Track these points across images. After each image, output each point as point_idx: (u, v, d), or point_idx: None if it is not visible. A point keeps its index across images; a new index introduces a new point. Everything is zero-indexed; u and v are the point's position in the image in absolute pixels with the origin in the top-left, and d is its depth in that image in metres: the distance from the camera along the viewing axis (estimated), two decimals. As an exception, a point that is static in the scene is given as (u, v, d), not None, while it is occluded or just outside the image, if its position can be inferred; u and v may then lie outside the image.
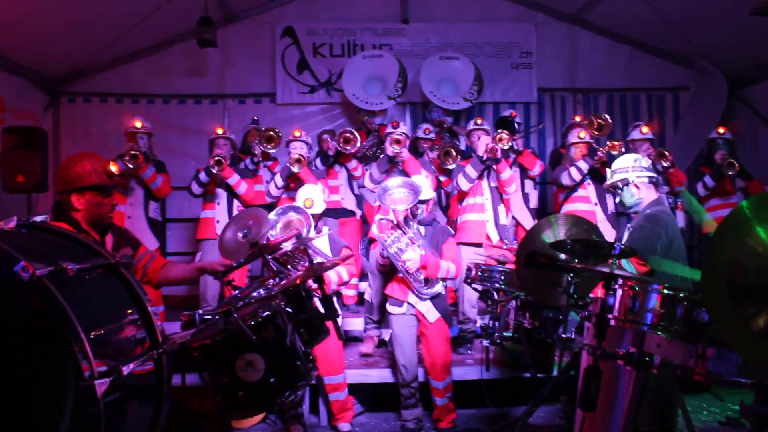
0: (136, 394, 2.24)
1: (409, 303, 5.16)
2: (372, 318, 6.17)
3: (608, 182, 4.66)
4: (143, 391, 2.30)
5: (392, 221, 5.15)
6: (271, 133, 6.53)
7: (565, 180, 6.50)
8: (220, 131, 6.70)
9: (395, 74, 7.88)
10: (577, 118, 7.38)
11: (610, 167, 6.09)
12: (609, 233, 6.21)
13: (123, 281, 2.38)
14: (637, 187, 4.42)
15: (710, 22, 7.26)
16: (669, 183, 6.66)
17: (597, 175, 6.48)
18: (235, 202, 6.58)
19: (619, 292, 2.94)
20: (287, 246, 4.64)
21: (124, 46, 7.97)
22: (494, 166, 6.18)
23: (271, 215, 5.09)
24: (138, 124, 6.44)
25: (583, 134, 6.54)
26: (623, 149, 6.38)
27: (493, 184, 6.28)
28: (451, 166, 6.49)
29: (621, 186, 4.50)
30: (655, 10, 7.35)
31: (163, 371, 2.36)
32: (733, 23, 6.82)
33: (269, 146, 6.52)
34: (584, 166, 6.34)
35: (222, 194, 6.57)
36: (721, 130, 6.99)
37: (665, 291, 2.82)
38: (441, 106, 7.75)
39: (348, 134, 6.56)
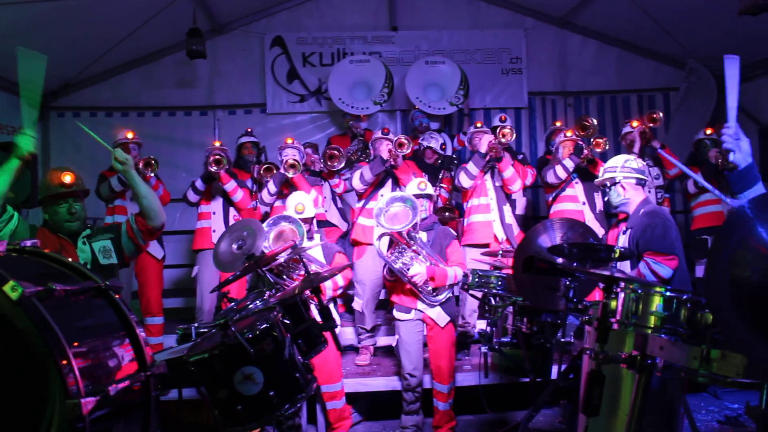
0: (122, 414, 2.24)
1: (417, 309, 5.12)
2: (365, 327, 6.13)
3: (598, 180, 4.72)
4: (130, 411, 2.30)
5: (395, 235, 5.06)
6: (270, 165, 6.47)
7: (550, 178, 6.47)
8: (217, 144, 6.66)
9: (382, 79, 7.89)
10: (558, 123, 7.46)
11: (596, 165, 6.16)
12: (597, 232, 6.20)
13: (112, 305, 2.40)
14: (624, 187, 4.47)
15: (699, 22, 7.30)
16: (662, 166, 6.72)
17: (585, 174, 6.47)
18: (231, 212, 6.52)
19: (621, 295, 2.91)
20: (282, 256, 4.59)
21: (114, 60, 7.96)
22: (497, 165, 6.17)
23: (263, 226, 5.03)
24: (130, 135, 6.42)
25: (570, 133, 6.54)
26: (607, 146, 6.42)
27: (497, 184, 6.26)
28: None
29: (609, 185, 4.55)
30: (644, 11, 7.38)
31: (150, 392, 2.36)
32: (722, 23, 6.85)
33: (267, 176, 6.42)
34: (570, 164, 6.30)
35: (218, 204, 6.51)
36: (708, 131, 7.01)
37: (668, 293, 2.80)
38: (427, 112, 7.74)
39: (333, 151, 6.48)
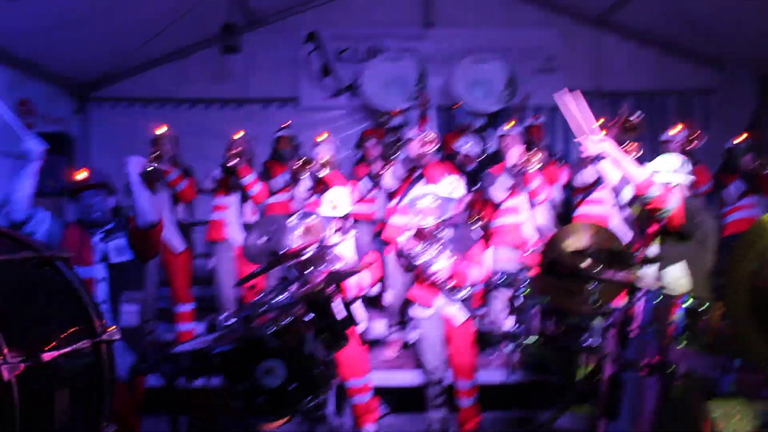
0: (66, 385, 2.12)
1: (437, 306, 5.15)
2: (394, 321, 6.16)
3: None
4: (77, 383, 2.18)
5: (420, 230, 5.09)
6: (306, 159, 6.50)
7: (576, 181, 6.41)
8: (239, 135, 6.71)
9: (414, 77, 7.89)
10: (601, 120, 7.34)
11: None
12: (624, 237, 6.10)
13: (59, 274, 2.29)
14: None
15: (739, 24, 7.15)
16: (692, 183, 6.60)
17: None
18: (247, 207, 6.59)
19: (642, 301, 2.90)
20: (308, 252, 4.62)
21: (151, 51, 8.08)
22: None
23: (291, 220, 5.06)
24: (160, 131, 6.52)
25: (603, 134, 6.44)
26: (641, 152, 6.31)
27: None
28: None
29: None
30: (682, 11, 7.26)
31: (103, 363, 2.25)
32: (761, 23, 6.72)
33: (303, 171, 6.46)
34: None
35: (235, 199, 6.57)
36: (740, 139, 6.87)
37: (688, 302, 2.78)
38: (472, 110, 7.70)
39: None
